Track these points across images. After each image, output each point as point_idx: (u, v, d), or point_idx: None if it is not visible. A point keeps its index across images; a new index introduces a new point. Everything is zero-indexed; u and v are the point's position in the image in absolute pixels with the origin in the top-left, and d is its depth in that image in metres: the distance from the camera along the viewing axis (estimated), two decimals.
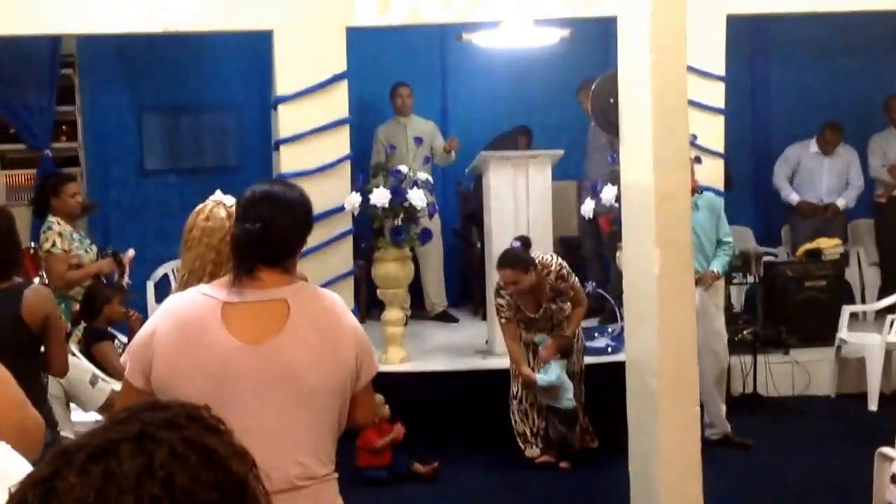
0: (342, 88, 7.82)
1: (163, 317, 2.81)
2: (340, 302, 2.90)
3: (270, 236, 2.79)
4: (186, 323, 2.76)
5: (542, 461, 6.90)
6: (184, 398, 2.63)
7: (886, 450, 5.05)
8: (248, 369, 2.68)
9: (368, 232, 7.85)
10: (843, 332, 8.38)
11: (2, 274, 4.23)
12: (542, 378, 6.79)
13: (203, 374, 2.69)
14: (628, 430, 5.15)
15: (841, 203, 9.59)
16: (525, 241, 6.93)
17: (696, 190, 7.00)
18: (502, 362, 7.20)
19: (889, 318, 8.23)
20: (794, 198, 9.68)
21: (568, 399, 6.82)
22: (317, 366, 2.74)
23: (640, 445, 5.01)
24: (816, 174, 9.62)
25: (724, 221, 7.25)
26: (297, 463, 2.70)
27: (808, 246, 9.06)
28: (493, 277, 7.62)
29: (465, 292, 9.98)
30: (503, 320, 6.96)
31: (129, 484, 1.10)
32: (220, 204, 3.36)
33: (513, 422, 7.01)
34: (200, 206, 3.36)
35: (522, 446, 6.98)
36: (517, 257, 6.76)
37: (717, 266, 7.16)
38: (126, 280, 7.19)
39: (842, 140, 9.61)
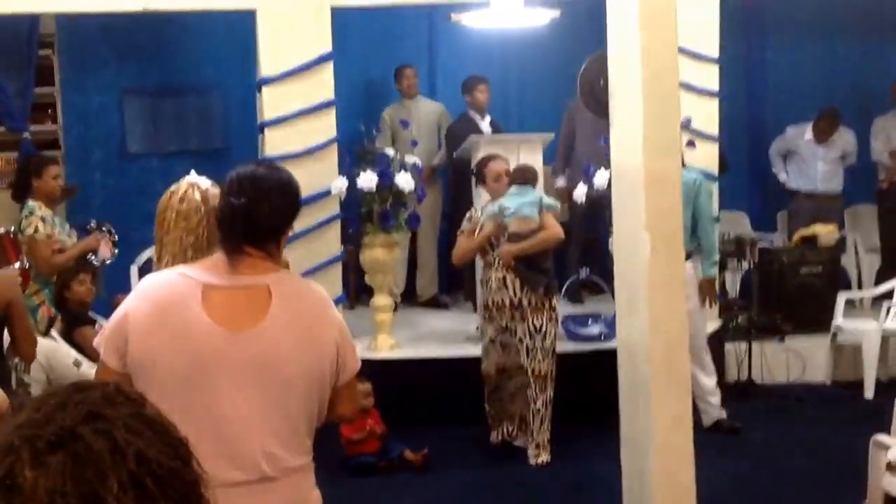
0: (328, 70, 7.63)
1: (137, 298, 2.74)
2: (324, 295, 2.85)
3: (256, 214, 2.73)
4: (163, 303, 2.70)
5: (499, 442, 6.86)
6: (160, 378, 2.59)
7: (881, 437, 5.02)
8: (226, 356, 2.63)
9: (356, 217, 7.70)
10: (838, 319, 8.29)
11: None
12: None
13: (181, 355, 2.64)
14: (620, 419, 5.05)
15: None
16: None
17: None
18: None
19: (886, 304, 8.14)
20: (783, 176, 9.67)
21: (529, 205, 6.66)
22: (297, 357, 2.69)
23: (631, 433, 4.93)
24: (811, 163, 9.51)
25: (704, 206, 6.86)
26: (268, 452, 2.65)
27: (804, 232, 8.97)
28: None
29: (455, 279, 9.82)
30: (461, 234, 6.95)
31: (106, 465, 1.08)
32: (195, 186, 3.25)
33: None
34: (174, 186, 3.27)
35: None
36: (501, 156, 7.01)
37: (708, 272, 6.99)
38: (111, 257, 7.06)
39: (838, 127, 9.45)
